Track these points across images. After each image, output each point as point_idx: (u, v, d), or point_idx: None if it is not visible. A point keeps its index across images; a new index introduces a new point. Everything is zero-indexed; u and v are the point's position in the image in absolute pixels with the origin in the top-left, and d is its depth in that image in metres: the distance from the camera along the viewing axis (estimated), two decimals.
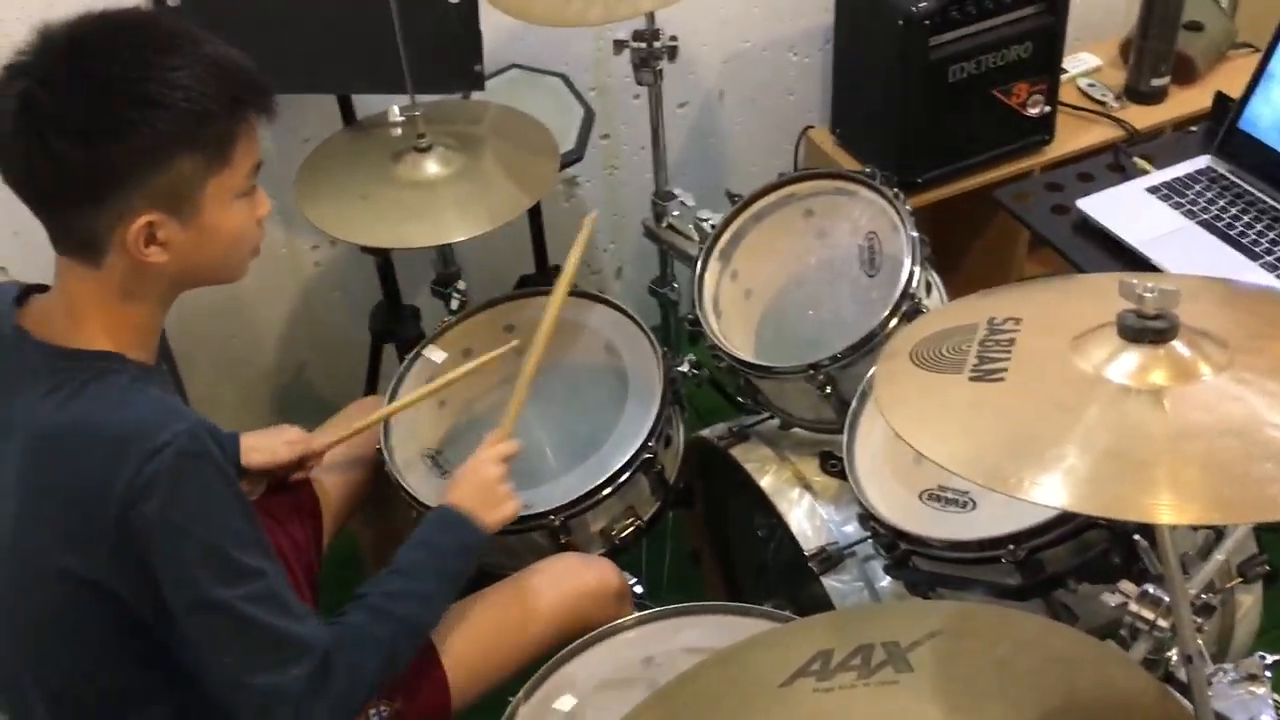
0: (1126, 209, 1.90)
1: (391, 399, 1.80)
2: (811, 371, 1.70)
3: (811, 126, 2.55)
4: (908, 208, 1.77)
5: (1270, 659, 1.16)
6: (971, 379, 1.03)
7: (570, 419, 1.87)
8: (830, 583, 1.70)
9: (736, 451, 1.85)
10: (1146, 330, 0.97)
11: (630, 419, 1.77)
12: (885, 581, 1.68)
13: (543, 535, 1.66)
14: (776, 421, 1.90)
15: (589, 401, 1.87)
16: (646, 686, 1.41)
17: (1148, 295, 0.97)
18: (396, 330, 2.25)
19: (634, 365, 1.84)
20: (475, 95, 2.07)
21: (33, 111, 1.10)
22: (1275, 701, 1.12)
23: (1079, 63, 2.56)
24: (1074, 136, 2.40)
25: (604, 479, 1.67)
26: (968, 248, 2.54)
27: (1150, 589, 1.18)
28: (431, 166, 1.90)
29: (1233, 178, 1.91)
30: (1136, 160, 2.03)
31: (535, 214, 2.24)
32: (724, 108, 2.61)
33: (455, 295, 2.06)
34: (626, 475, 1.67)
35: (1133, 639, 1.18)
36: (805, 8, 2.53)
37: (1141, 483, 0.89)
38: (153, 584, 1.16)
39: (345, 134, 2.07)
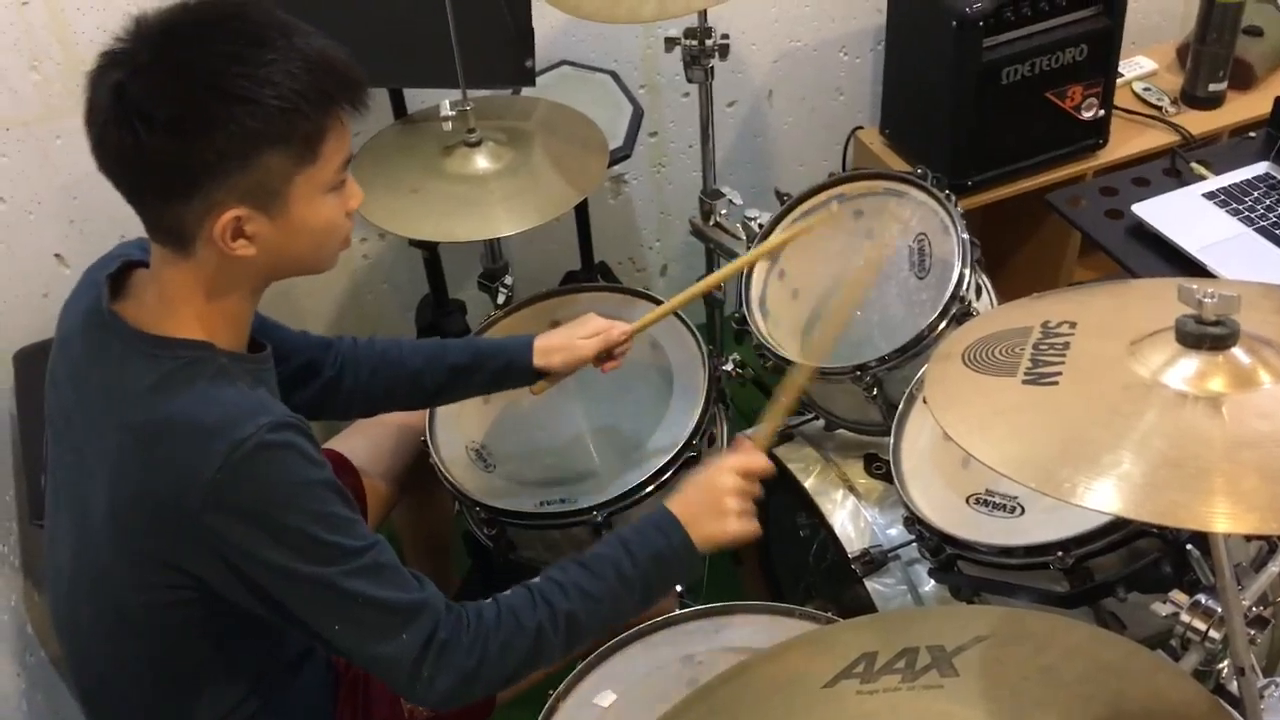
0: (1183, 214, 1.88)
1: None
2: (858, 373, 1.69)
3: (860, 127, 2.54)
4: (959, 210, 1.75)
5: None
6: (1025, 382, 1.02)
7: (615, 416, 1.87)
8: (874, 585, 1.69)
9: (780, 452, 1.85)
10: (1206, 336, 0.96)
11: (675, 417, 1.77)
12: (929, 586, 1.67)
13: (585, 531, 1.66)
14: (821, 422, 1.89)
15: (634, 399, 1.87)
16: (687, 684, 1.41)
17: (1207, 301, 0.96)
18: (442, 324, 2.25)
19: (679, 363, 1.84)
20: (525, 91, 2.08)
21: (124, 103, 1.10)
22: None
23: (1135, 66, 2.54)
24: (1128, 141, 2.38)
25: (647, 476, 1.67)
26: (1017, 251, 2.52)
27: (1202, 599, 1.16)
28: (481, 161, 1.90)
29: None
30: (1194, 165, 2.00)
31: (582, 210, 2.25)
32: (773, 107, 2.61)
33: (502, 290, 2.07)
34: (670, 473, 1.67)
35: (1183, 650, 1.17)
36: (856, 8, 2.52)
37: (1198, 490, 0.88)
38: (238, 571, 1.16)
39: (396, 128, 2.08)
